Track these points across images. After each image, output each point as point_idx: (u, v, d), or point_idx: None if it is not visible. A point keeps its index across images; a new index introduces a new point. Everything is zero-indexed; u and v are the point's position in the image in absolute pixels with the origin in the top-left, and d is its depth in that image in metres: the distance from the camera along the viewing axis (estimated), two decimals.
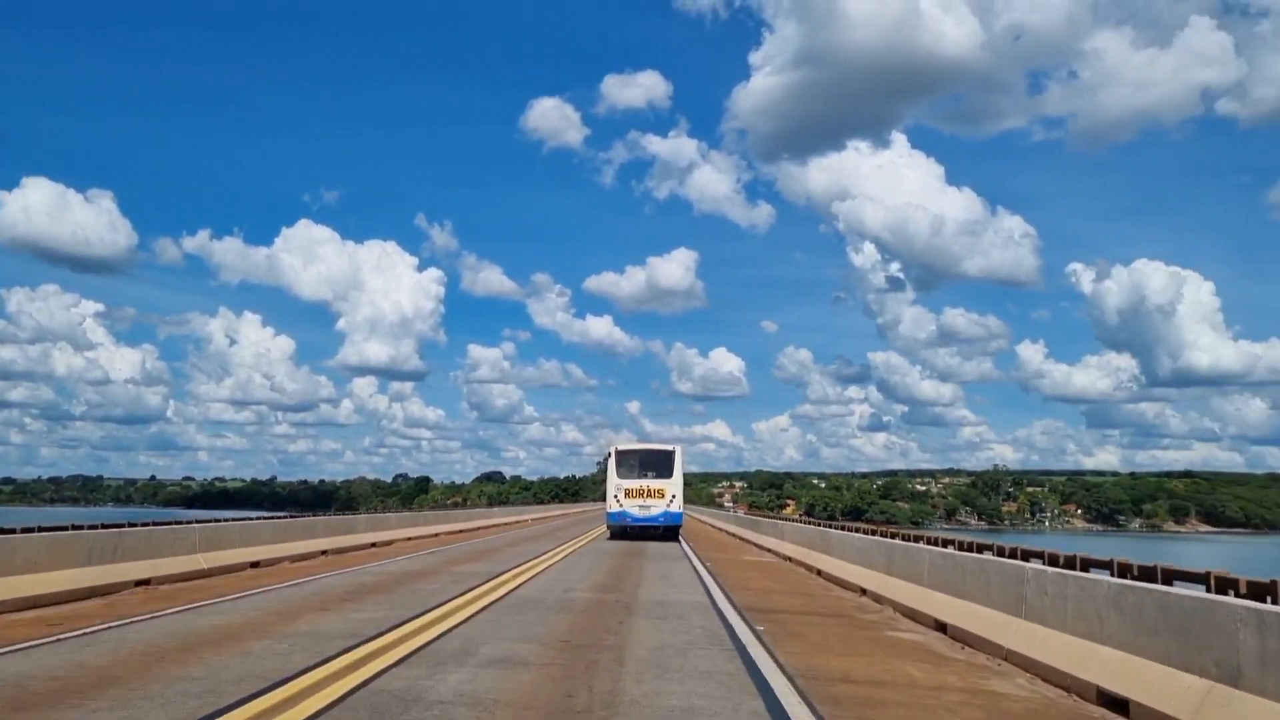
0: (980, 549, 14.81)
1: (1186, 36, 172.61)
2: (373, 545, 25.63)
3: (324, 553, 21.92)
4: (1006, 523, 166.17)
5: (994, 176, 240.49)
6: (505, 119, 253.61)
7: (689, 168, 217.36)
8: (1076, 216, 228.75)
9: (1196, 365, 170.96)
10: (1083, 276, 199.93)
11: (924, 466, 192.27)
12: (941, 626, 10.96)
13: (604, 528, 35.64)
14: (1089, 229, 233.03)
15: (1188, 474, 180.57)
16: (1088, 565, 12.70)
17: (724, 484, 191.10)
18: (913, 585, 12.65)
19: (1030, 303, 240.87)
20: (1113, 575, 10.67)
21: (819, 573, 18.75)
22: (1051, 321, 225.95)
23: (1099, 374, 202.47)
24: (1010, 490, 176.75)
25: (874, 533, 21.33)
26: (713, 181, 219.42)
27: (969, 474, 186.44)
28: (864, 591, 14.89)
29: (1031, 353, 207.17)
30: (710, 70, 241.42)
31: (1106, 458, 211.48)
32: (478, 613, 11.51)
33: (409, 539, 29.77)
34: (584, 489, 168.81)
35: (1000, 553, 13.93)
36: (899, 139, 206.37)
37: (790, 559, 22.58)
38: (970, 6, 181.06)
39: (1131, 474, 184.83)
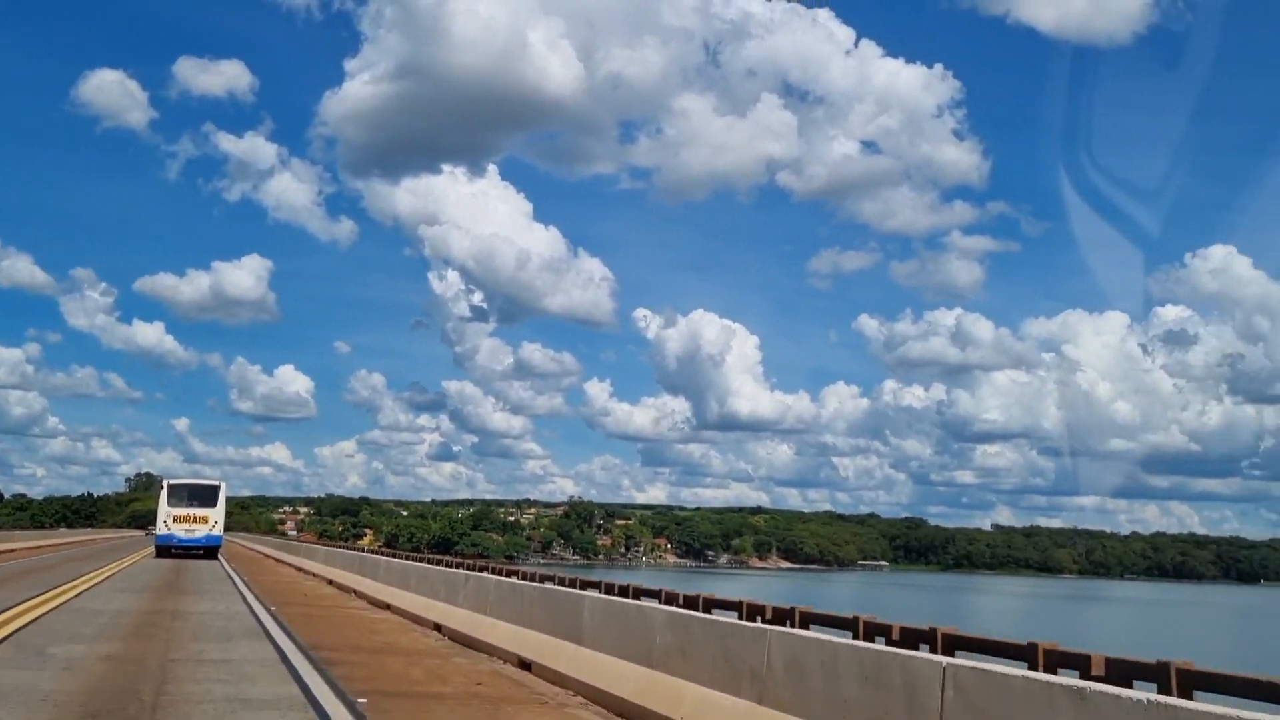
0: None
1: (759, 110, 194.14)
2: None
3: None
4: (601, 557, 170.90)
5: (579, 218, 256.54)
6: (52, 86, 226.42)
7: (269, 172, 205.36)
8: (650, 265, 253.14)
9: (739, 411, 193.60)
10: (651, 322, 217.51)
11: (488, 497, 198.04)
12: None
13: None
14: (659, 278, 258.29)
15: (759, 510, 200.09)
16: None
17: (285, 509, 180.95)
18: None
19: (602, 343, 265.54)
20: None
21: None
22: (619, 362, 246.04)
23: (656, 414, 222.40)
24: (601, 523, 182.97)
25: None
26: (292, 190, 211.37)
27: (544, 505, 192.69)
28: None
29: (599, 391, 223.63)
30: (301, 71, 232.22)
31: (656, 494, 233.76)
32: None
33: None
34: (104, 510, 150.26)
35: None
36: (492, 169, 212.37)
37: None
38: (576, 49, 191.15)
39: (698, 509, 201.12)
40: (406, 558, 28.50)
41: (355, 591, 22.08)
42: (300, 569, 33.36)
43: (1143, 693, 4.58)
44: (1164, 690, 6.78)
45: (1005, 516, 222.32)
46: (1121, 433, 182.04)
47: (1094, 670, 7.64)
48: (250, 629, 13.80)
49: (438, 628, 14.62)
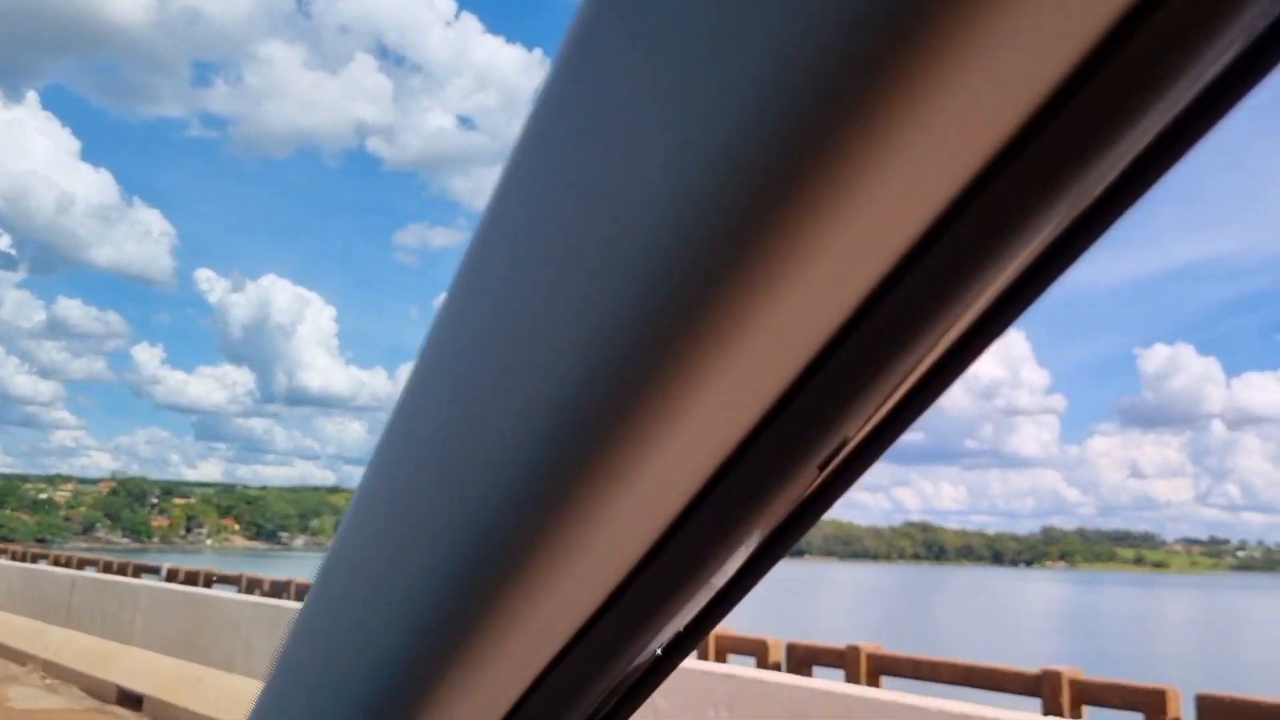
0: None
1: (353, 70, 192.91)
2: None
3: None
4: (156, 539, 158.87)
5: (138, 163, 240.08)
6: None
7: None
8: (219, 223, 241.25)
9: (309, 385, 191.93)
10: (216, 285, 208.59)
11: (6, 470, 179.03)
12: None
13: None
14: (229, 238, 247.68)
15: (337, 489, 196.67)
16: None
17: None
18: None
19: (157, 304, 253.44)
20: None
21: None
22: (175, 326, 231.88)
23: (216, 385, 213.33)
24: (156, 501, 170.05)
25: None
26: None
27: (82, 481, 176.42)
28: None
29: (149, 356, 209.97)
30: None
31: (210, 470, 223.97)
32: None
33: None
34: None
35: None
36: (32, 96, 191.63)
37: None
38: None
39: (264, 487, 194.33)
40: None
41: None
42: None
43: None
44: None
45: None
46: None
47: None
48: None
49: None
